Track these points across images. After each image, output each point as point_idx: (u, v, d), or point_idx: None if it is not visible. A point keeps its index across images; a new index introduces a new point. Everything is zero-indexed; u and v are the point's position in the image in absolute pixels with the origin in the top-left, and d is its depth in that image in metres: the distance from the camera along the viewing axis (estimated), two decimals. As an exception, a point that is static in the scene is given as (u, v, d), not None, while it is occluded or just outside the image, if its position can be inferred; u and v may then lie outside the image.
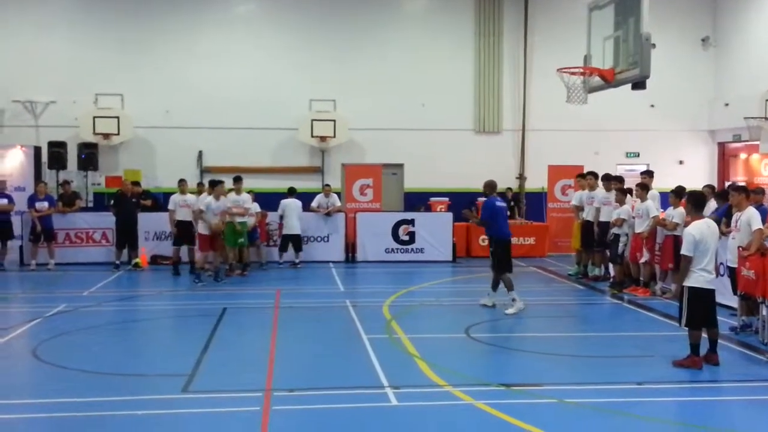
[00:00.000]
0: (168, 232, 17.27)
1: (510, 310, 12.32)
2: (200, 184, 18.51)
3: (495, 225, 12.67)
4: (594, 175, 16.18)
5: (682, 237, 9.54)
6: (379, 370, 8.86)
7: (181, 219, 16.47)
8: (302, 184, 21.58)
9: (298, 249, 17.98)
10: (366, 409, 7.57)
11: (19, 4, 21.80)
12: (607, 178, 15.62)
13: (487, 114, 23.12)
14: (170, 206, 16.68)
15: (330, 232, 18.88)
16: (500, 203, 12.80)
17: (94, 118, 21.14)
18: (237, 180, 16.90)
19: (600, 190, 15.69)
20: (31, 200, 17.70)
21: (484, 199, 13.01)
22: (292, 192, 18.38)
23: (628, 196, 14.76)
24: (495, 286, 12.77)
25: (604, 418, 7.35)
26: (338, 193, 20.12)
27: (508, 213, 14.21)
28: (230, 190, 16.62)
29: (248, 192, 17.60)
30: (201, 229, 15.53)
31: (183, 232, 16.50)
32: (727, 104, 22.43)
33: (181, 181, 17.07)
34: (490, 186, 12.88)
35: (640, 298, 13.73)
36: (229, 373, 8.87)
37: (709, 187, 15.15)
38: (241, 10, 22.72)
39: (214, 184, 16.04)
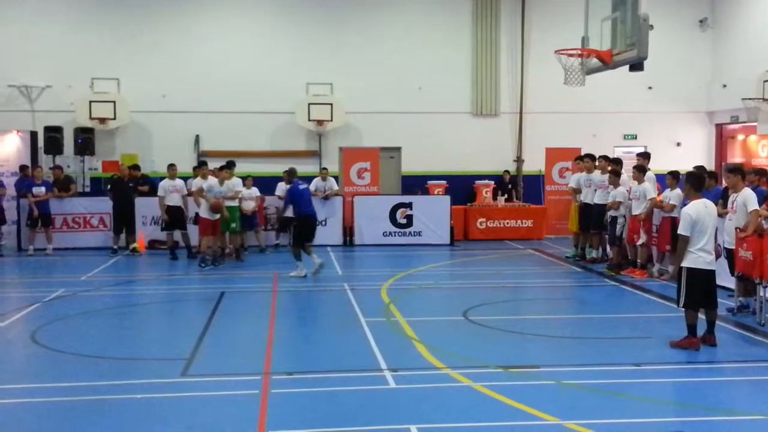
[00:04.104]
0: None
1: (292, 273, 14.04)
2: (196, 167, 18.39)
3: (298, 205, 14.17)
4: (591, 157, 16.17)
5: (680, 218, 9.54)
6: (377, 353, 8.89)
7: (171, 204, 16.42)
8: (300, 168, 21.12)
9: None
10: (364, 392, 7.60)
11: (14, -12, 21.64)
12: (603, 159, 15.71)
13: (484, 97, 23.02)
14: (160, 192, 16.55)
15: (327, 216, 18.85)
16: (303, 186, 14.43)
17: (90, 102, 20.98)
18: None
19: (597, 172, 15.66)
20: (19, 185, 17.65)
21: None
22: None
23: (624, 176, 14.77)
24: (299, 257, 14.11)
25: (601, 400, 7.38)
26: (336, 177, 20.08)
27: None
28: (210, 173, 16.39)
29: (246, 177, 17.57)
30: (202, 213, 15.36)
31: (174, 218, 16.47)
32: (725, 86, 22.37)
33: (171, 166, 16.95)
34: (291, 173, 14.68)
35: (638, 280, 13.75)
36: (227, 357, 8.89)
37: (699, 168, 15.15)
38: (237, -7, 22.56)
39: (202, 165, 16.11)
